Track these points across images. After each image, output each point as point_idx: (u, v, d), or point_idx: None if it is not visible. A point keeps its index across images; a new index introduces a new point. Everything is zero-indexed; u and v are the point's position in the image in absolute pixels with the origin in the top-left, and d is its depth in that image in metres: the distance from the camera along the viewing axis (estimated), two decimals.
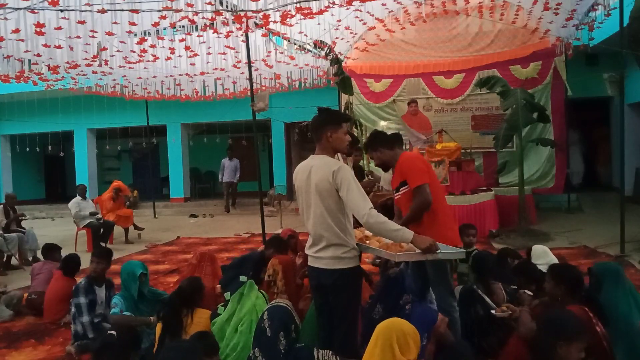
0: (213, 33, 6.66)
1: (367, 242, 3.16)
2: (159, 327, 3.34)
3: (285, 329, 3.01)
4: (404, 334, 2.33)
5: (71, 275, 4.89)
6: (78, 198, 8.83)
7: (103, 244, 8.67)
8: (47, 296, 4.87)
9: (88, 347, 3.88)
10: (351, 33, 8.60)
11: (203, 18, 5.89)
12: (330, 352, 2.87)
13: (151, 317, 3.73)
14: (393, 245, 2.99)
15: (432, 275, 3.49)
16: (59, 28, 5.32)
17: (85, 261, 4.79)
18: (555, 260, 4.22)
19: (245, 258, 4.71)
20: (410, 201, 3.43)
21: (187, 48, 6.90)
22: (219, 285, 4.69)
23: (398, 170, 3.53)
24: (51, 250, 5.81)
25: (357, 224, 3.05)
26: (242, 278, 3.71)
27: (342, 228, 2.85)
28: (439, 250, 2.79)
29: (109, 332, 3.07)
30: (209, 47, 7.18)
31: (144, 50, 6.90)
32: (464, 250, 3.31)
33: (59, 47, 6.04)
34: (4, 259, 7.37)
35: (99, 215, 9.04)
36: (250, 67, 7.06)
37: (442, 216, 3.47)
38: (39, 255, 7.33)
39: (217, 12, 5.57)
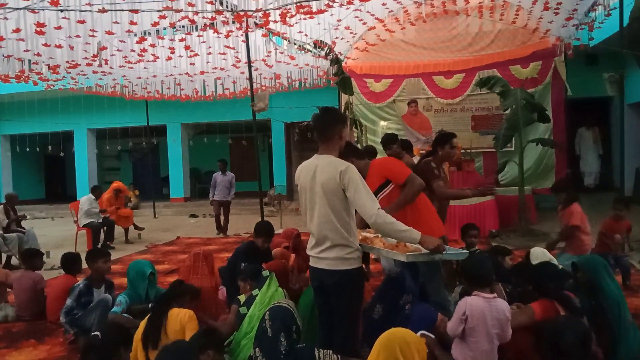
0: (213, 33, 6.66)
1: (369, 242, 3.17)
2: (141, 328, 3.27)
3: (286, 330, 3.00)
4: (407, 343, 2.26)
5: (72, 272, 4.86)
6: (91, 196, 8.91)
7: (109, 242, 8.75)
8: (49, 295, 4.87)
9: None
10: (351, 33, 8.60)
11: (203, 17, 5.89)
12: (331, 351, 2.87)
13: (149, 304, 3.71)
14: (397, 246, 3.02)
15: (425, 272, 3.55)
16: (59, 27, 5.32)
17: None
18: (553, 261, 4.23)
19: (236, 256, 4.66)
20: (394, 200, 3.54)
21: (187, 48, 6.89)
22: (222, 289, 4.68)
23: (376, 174, 3.61)
24: (32, 257, 5.27)
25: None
26: (265, 273, 3.70)
27: (347, 228, 2.84)
28: (445, 251, 2.82)
29: (92, 333, 3.04)
30: (209, 47, 7.17)
31: (144, 50, 6.90)
32: (467, 252, 3.35)
33: (59, 46, 6.03)
34: (4, 259, 7.39)
35: (107, 214, 9.15)
36: (250, 67, 7.06)
37: (425, 209, 3.63)
38: None
39: (218, 12, 5.57)
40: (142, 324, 3.29)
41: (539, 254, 4.32)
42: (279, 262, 4.25)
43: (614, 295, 3.19)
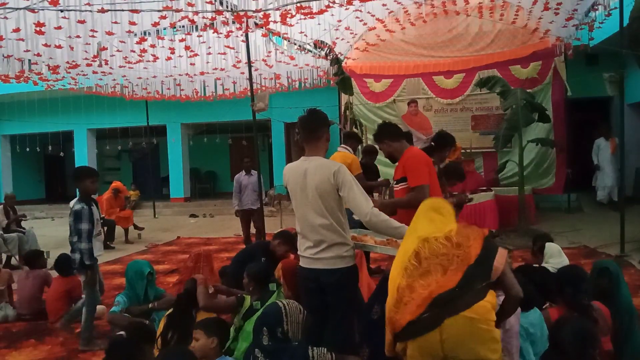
0: (213, 33, 6.65)
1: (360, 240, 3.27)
2: (161, 326, 3.31)
3: (269, 327, 2.95)
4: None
5: (67, 274, 4.84)
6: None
7: (109, 243, 8.75)
8: (48, 297, 4.89)
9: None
10: (351, 33, 8.60)
11: (203, 18, 5.89)
12: (325, 349, 2.86)
13: (149, 305, 3.66)
14: (389, 242, 3.13)
15: None
16: (59, 27, 5.32)
17: None
18: (567, 263, 4.09)
19: (251, 251, 4.62)
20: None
21: (187, 48, 6.89)
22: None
23: (402, 165, 3.59)
24: (37, 258, 5.37)
25: None
26: (272, 286, 3.58)
27: (343, 227, 2.90)
28: None
29: (117, 332, 3.05)
30: (209, 47, 7.17)
31: (144, 50, 6.90)
32: None
33: (59, 46, 6.03)
34: (4, 259, 7.39)
35: (102, 215, 9.11)
36: (250, 67, 7.05)
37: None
38: None
39: (218, 12, 5.57)
40: (162, 324, 3.31)
41: (555, 251, 4.26)
42: (291, 260, 4.19)
43: (627, 301, 3.17)
